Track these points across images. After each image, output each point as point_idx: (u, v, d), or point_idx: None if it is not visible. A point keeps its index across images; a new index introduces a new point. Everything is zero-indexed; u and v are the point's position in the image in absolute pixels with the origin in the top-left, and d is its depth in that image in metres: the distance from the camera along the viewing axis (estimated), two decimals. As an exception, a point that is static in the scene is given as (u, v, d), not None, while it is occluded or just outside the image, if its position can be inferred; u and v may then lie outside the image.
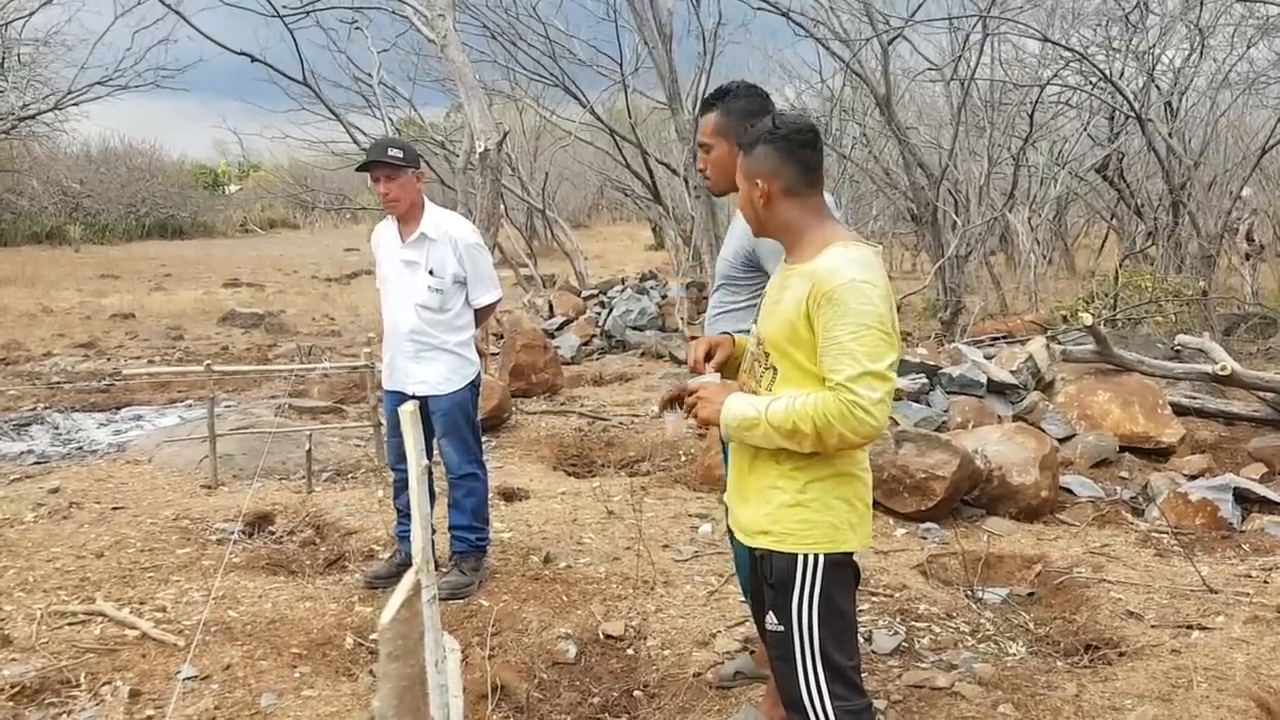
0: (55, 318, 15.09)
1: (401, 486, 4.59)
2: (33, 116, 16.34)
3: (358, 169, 4.42)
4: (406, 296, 4.40)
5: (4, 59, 15.82)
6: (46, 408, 8.78)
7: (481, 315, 4.65)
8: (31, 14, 13.93)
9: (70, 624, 4.06)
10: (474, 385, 4.56)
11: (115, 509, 5.63)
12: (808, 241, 2.41)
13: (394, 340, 4.46)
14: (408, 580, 1.51)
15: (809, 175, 2.42)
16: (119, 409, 8.89)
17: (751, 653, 3.72)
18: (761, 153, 2.41)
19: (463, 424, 4.50)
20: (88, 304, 16.71)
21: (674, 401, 3.40)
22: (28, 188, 29.94)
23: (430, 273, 4.38)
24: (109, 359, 11.63)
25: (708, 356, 2.63)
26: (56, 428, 8.12)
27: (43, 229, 31.55)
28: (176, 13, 10.53)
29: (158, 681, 3.61)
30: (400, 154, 4.32)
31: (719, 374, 2.60)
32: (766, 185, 2.41)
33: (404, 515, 4.66)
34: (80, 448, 7.44)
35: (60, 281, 20.30)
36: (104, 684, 3.58)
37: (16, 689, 3.52)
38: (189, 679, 3.60)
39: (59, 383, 10.00)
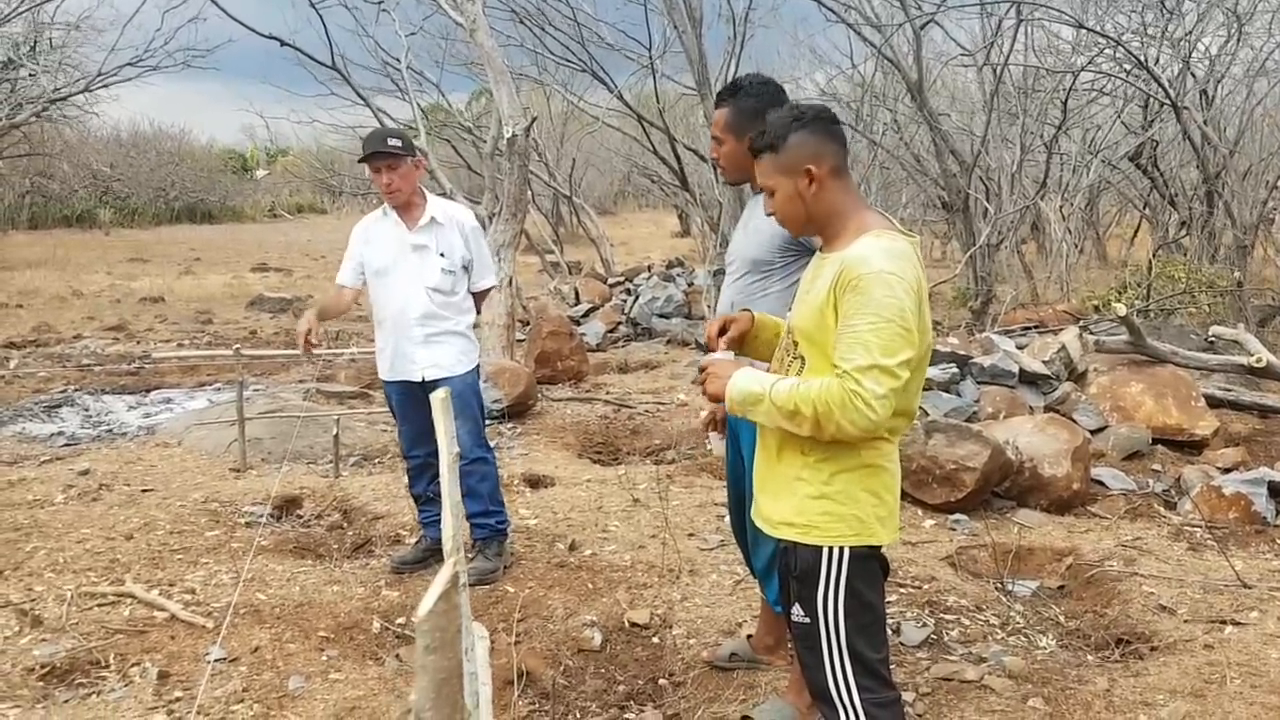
0: (85, 300, 15.22)
1: (416, 474, 4.61)
2: (63, 99, 16.44)
3: (359, 160, 4.45)
4: (416, 281, 4.39)
5: (35, 43, 15.94)
6: (77, 390, 8.86)
7: (478, 300, 4.66)
8: (64, -3, 14.00)
9: (100, 605, 4.09)
10: (478, 369, 4.61)
11: (145, 491, 5.67)
12: (847, 229, 2.36)
13: (401, 328, 4.43)
14: (445, 572, 1.49)
15: (845, 153, 2.40)
16: (148, 392, 8.96)
17: (749, 637, 3.71)
18: (799, 139, 2.35)
19: (475, 405, 4.54)
20: (117, 287, 16.85)
21: (714, 423, 3.49)
22: (58, 171, 30.20)
23: (441, 255, 4.40)
24: (138, 342, 11.72)
25: (722, 332, 2.58)
26: (87, 410, 8.19)
27: (73, 212, 31.86)
28: (205, -5, 10.54)
29: (186, 663, 3.63)
30: (399, 143, 4.32)
31: (733, 351, 2.56)
32: (817, 169, 2.35)
33: (423, 503, 4.68)
34: (110, 430, 7.51)
35: (90, 265, 20.49)
36: (133, 665, 3.60)
37: (46, 669, 3.55)
38: (217, 661, 3.62)
39: (89, 365, 10.08)
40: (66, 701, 3.37)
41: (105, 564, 4.53)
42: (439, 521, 4.63)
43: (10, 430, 7.35)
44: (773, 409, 2.28)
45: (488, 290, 4.68)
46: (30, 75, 16.19)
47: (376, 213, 4.56)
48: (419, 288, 4.39)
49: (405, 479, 4.76)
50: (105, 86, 16.26)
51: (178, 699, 3.39)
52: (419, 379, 4.40)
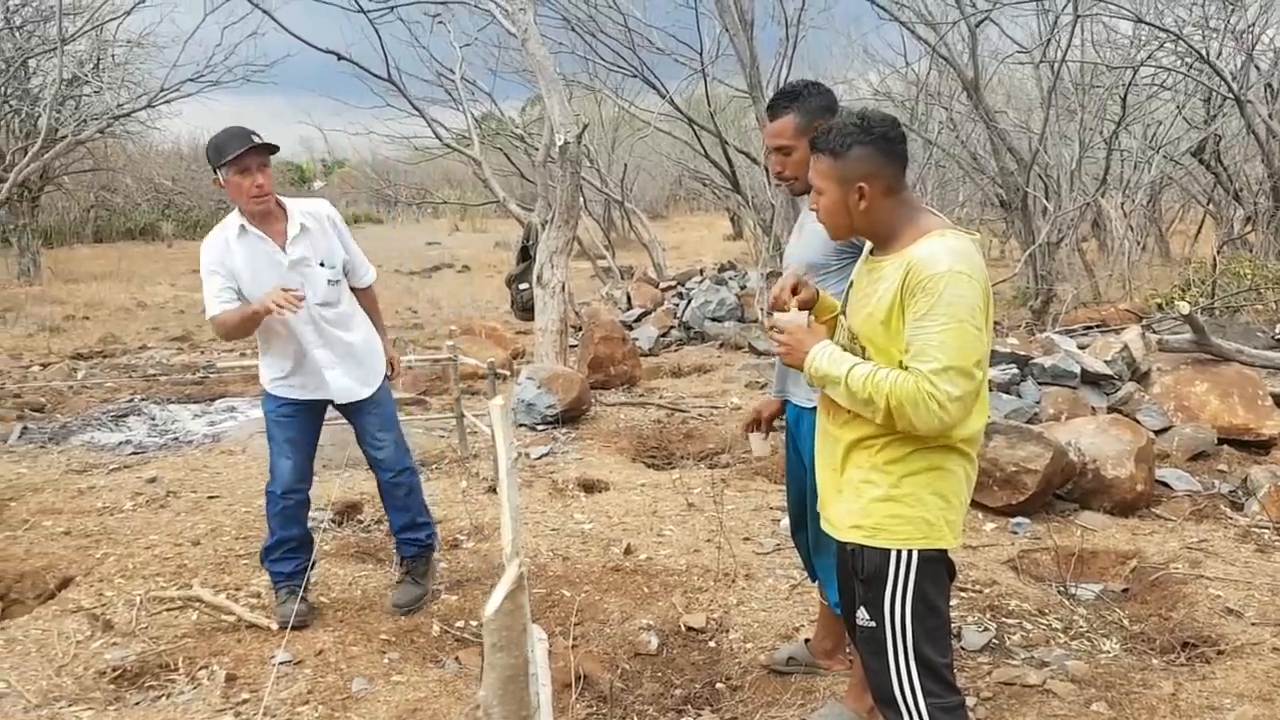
0: (150, 312, 15.55)
1: (294, 511, 4.14)
2: (127, 115, 16.79)
3: (221, 164, 3.65)
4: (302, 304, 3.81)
5: (99, 60, 16.30)
6: (143, 399, 9.06)
7: (367, 300, 4.11)
8: (126, 14, 14.29)
9: (168, 609, 4.19)
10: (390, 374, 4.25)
11: (210, 498, 5.78)
12: (901, 237, 2.35)
13: (299, 355, 3.95)
14: (510, 573, 1.51)
15: (904, 171, 2.38)
16: (213, 400, 9.13)
17: (807, 641, 3.69)
18: (859, 155, 2.33)
19: (397, 414, 4.21)
20: (181, 298, 17.20)
21: (755, 423, 3.47)
22: (122, 185, 30.85)
23: (322, 264, 3.88)
24: (202, 352, 11.96)
25: (794, 291, 2.52)
26: (153, 419, 8.37)
27: (136, 225, 32.58)
28: (263, 10, 10.73)
29: (253, 665, 3.70)
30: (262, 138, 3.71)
31: (807, 312, 2.51)
32: (869, 187, 2.34)
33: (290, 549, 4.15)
34: (176, 438, 7.66)
35: (154, 276, 20.92)
36: (201, 668, 3.68)
37: (118, 672, 3.64)
38: (283, 663, 3.68)
39: (155, 375, 10.30)
40: (137, 704, 3.46)
41: (173, 569, 4.63)
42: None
43: (79, 439, 7.55)
44: (848, 394, 2.30)
45: (372, 287, 4.14)
46: (95, 92, 16.58)
47: (228, 232, 3.79)
48: (304, 312, 3.80)
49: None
50: (167, 102, 16.59)
51: (245, 701, 3.46)
52: (329, 399, 4.05)
